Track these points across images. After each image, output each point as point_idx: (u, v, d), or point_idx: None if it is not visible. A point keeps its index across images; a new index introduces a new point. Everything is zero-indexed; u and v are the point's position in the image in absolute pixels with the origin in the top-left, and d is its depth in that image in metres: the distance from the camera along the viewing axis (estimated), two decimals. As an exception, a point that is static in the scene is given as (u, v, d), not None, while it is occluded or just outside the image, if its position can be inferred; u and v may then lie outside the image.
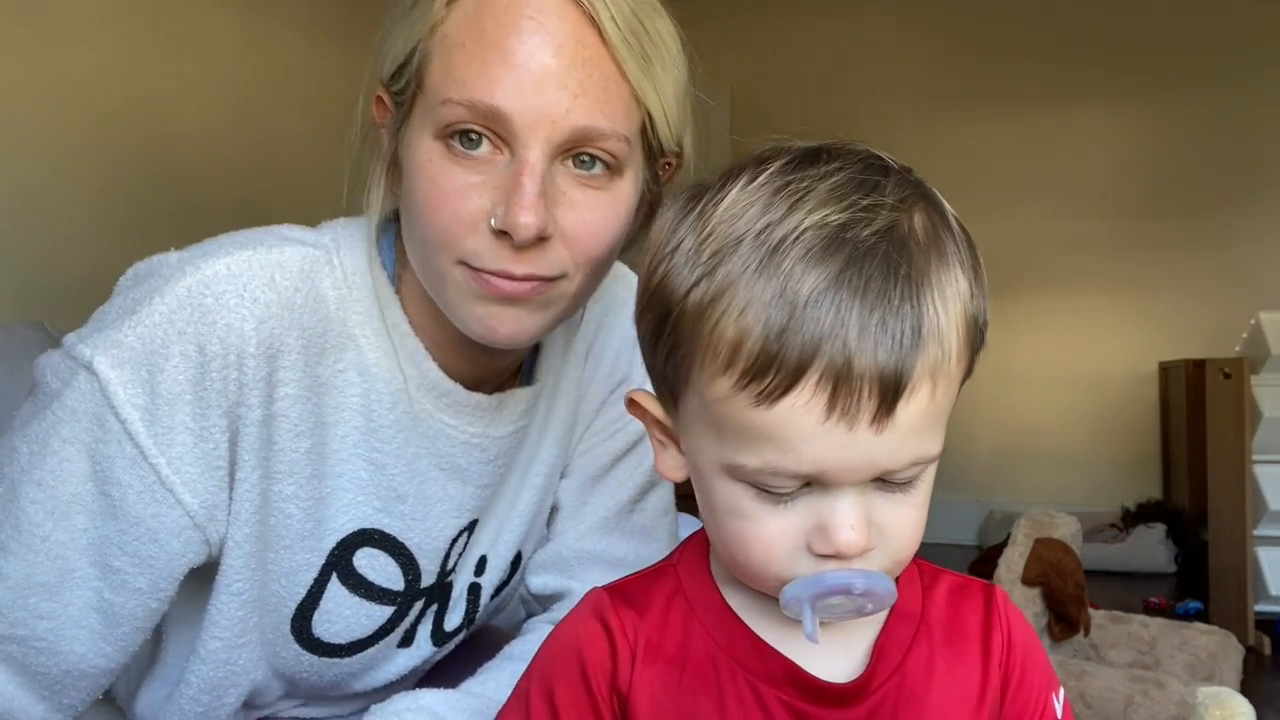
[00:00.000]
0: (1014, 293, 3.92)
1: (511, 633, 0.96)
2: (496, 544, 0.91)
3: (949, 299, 0.54)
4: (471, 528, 0.89)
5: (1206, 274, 3.74)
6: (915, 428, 0.53)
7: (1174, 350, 3.68)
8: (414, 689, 0.83)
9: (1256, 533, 2.59)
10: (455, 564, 0.89)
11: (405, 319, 0.78)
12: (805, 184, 0.54)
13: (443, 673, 0.94)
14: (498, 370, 0.85)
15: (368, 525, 0.81)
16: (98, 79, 2.19)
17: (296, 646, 0.82)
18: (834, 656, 0.60)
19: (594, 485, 0.94)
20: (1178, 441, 3.61)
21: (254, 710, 0.88)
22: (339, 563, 0.81)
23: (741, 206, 0.55)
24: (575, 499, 0.94)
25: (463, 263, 0.70)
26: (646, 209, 0.77)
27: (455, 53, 0.68)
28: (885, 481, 0.55)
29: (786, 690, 0.59)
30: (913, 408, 0.52)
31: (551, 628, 0.88)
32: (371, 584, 0.83)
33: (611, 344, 0.94)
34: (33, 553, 0.69)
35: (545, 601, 0.96)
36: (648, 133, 0.73)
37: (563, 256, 0.71)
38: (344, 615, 0.82)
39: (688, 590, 0.63)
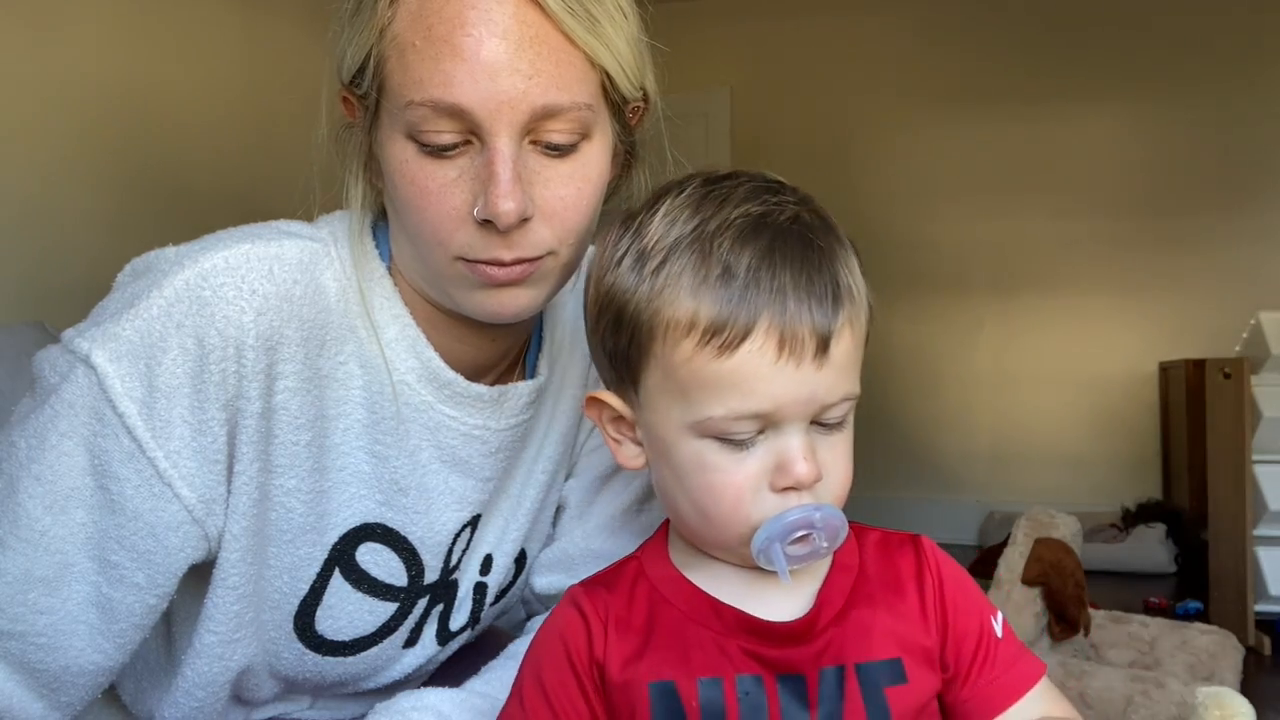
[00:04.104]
0: (1014, 293, 3.92)
1: (514, 632, 0.95)
2: (502, 542, 0.91)
3: (852, 268, 0.67)
4: (474, 523, 0.89)
5: (1206, 274, 3.74)
6: (843, 365, 0.65)
7: (1174, 350, 3.68)
8: (418, 688, 0.83)
9: (1256, 533, 2.59)
10: (459, 561, 0.89)
11: (405, 310, 0.79)
12: (724, 191, 0.67)
13: (447, 672, 0.94)
14: (499, 354, 0.85)
15: (370, 520, 0.81)
16: (97, 79, 2.19)
17: (300, 646, 0.82)
18: (783, 604, 0.69)
19: (601, 485, 0.94)
20: (1178, 441, 3.61)
21: (254, 709, 0.87)
22: (341, 557, 0.81)
23: (673, 216, 0.66)
24: (582, 499, 0.94)
25: (460, 258, 0.72)
26: (623, 157, 0.80)
27: (407, 53, 0.69)
28: (821, 424, 0.66)
29: (744, 638, 0.67)
30: (841, 347, 0.65)
31: None
32: (375, 580, 0.83)
33: None
34: (31, 547, 0.69)
35: (550, 601, 0.95)
36: (608, 89, 0.74)
37: (545, 235, 0.73)
38: (347, 611, 0.82)
39: (649, 571, 0.72)
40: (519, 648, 0.88)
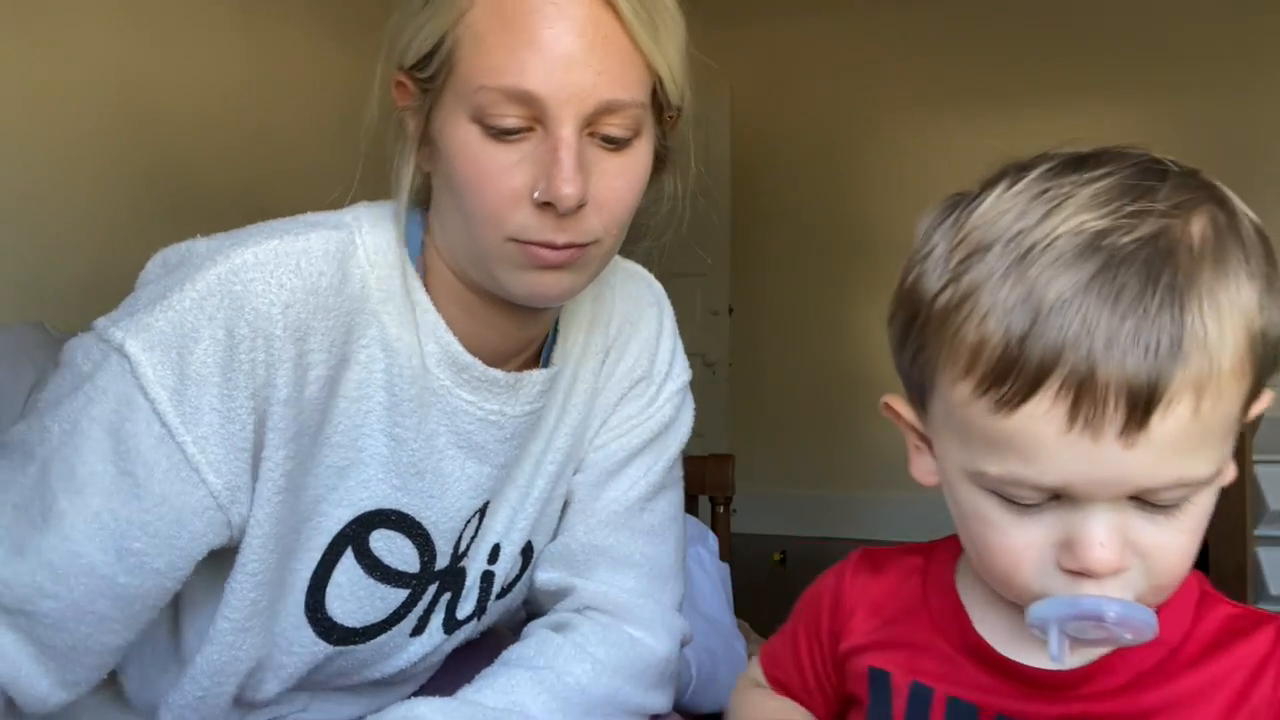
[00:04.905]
0: (1014, 293, 3.91)
1: (511, 636, 0.96)
2: (510, 531, 0.92)
3: (1223, 309, 0.50)
4: (484, 511, 0.90)
5: (1206, 274, 3.74)
6: (1175, 445, 0.50)
7: (1174, 350, 3.68)
8: (409, 698, 0.83)
9: (1256, 533, 2.59)
10: (468, 548, 0.90)
11: (427, 295, 0.82)
12: (1065, 190, 0.53)
13: (444, 678, 0.95)
14: (523, 342, 0.87)
15: (385, 505, 0.83)
16: (97, 79, 2.19)
17: (311, 633, 0.82)
18: (1039, 654, 0.58)
19: (607, 480, 0.95)
20: (1178, 441, 3.61)
21: (250, 711, 0.87)
22: (355, 540, 0.82)
23: (996, 213, 0.54)
24: (587, 493, 0.95)
25: (512, 239, 0.75)
26: (655, 162, 0.83)
27: (485, 40, 0.73)
28: (1145, 501, 0.52)
29: (991, 672, 0.60)
30: (1170, 423, 0.49)
31: (551, 633, 0.89)
32: (387, 567, 0.84)
33: (633, 344, 0.96)
34: (54, 532, 0.70)
35: (550, 598, 0.96)
36: (658, 93, 0.78)
37: (594, 223, 0.76)
38: (358, 596, 0.83)
39: (930, 570, 0.67)
40: (513, 655, 0.88)
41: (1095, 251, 0.50)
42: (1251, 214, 0.55)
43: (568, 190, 0.72)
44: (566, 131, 0.73)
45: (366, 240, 0.80)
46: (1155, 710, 0.57)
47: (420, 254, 0.83)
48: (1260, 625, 0.59)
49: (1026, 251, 0.51)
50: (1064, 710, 0.58)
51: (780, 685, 0.75)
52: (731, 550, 1.66)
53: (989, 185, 0.57)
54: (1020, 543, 0.54)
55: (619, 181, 0.77)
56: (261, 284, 0.73)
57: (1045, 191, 0.53)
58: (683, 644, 0.96)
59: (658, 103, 0.79)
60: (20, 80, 2.02)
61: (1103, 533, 0.52)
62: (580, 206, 0.74)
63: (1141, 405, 0.49)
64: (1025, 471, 0.52)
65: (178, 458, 0.71)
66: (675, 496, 0.99)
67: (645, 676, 0.89)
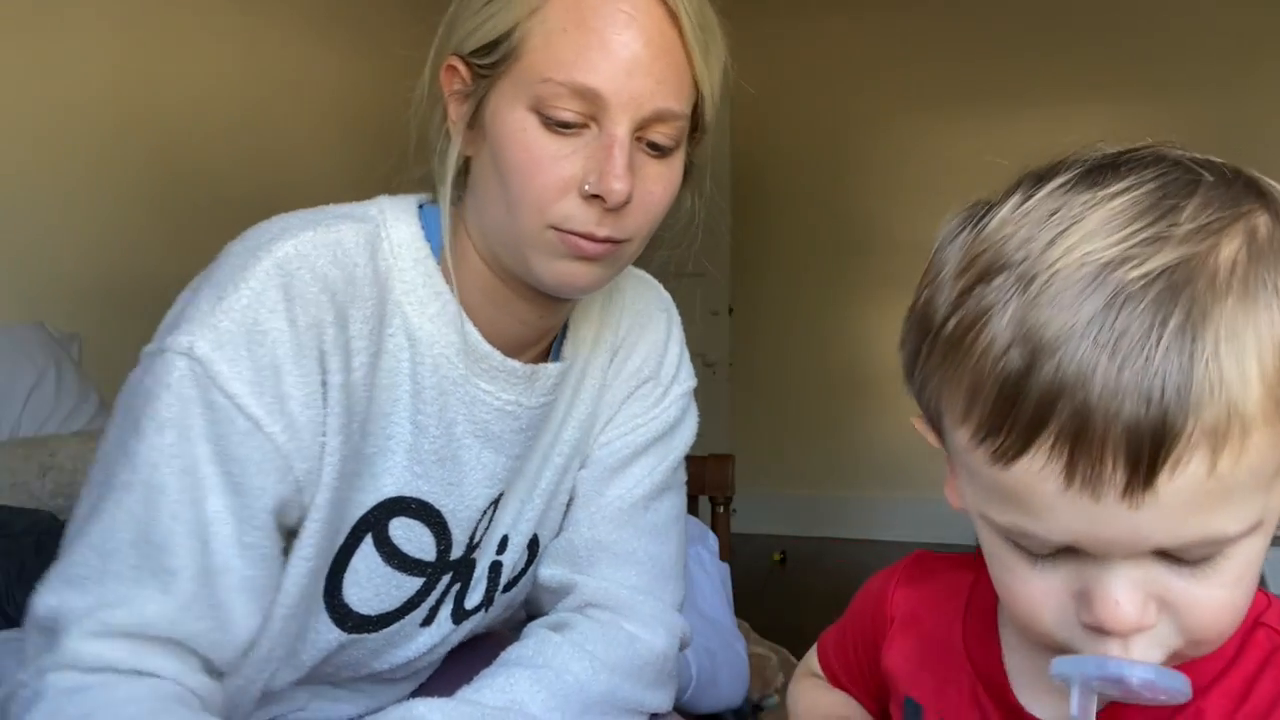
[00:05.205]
0: (1014, 293, 3.91)
1: (511, 636, 0.96)
2: (518, 522, 0.93)
3: (1247, 346, 0.43)
4: (496, 502, 0.91)
5: (1206, 274, 3.74)
6: (1191, 503, 0.44)
7: (1174, 350, 3.68)
8: (407, 698, 0.83)
9: (1256, 533, 2.59)
10: (480, 538, 0.91)
11: (449, 286, 0.84)
12: (1075, 211, 0.47)
13: (444, 678, 0.95)
14: (540, 333, 0.90)
15: (406, 492, 0.84)
16: (98, 80, 2.20)
17: (328, 619, 0.83)
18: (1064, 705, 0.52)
19: (611, 477, 0.96)
20: (1178, 441, 3.60)
21: (270, 706, 0.88)
22: (375, 528, 0.83)
23: (1002, 235, 0.48)
24: (592, 489, 0.97)
25: (553, 226, 0.78)
26: (682, 175, 0.87)
27: (556, 36, 0.77)
28: (1171, 555, 0.46)
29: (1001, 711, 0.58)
30: (1182, 481, 0.43)
31: (549, 633, 0.90)
32: (405, 555, 0.85)
33: (641, 345, 0.99)
34: (189, 550, 0.71)
35: (552, 596, 0.97)
36: (696, 111, 0.83)
37: (629, 223, 0.80)
38: (375, 583, 0.84)
39: (974, 595, 0.62)
40: (513, 655, 0.89)
41: (1100, 286, 0.44)
42: None
43: (619, 186, 0.76)
44: (621, 131, 0.77)
45: (391, 232, 0.83)
46: None
47: (443, 245, 0.85)
48: None
49: (1027, 285, 0.45)
50: None
51: (833, 677, 0.77)
52: (731, 550, 1.66)
53: (1006, 194, 0.51)
54: (1037, 591, 0.49)
55: (657, 186, 0.81)
56: (308, 273, 0.76)
57: (1056, 212, 0.47)
58: (682, 646, 0.96)
59: (693, 120, 0.83)
60: (20, 81, 2.02)
61: (1121, 590, 0.46)
62: (626, 203, 0.78)
63: (1146, 463, 0.43)
64: (1030, 525, 0.47)
65: (269, 448, 0.73)
66: (678, 499, 1.00)
67: (644, 674, 0.90)
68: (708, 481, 1.65)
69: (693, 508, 1.56)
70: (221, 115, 2.52)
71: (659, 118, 0.78)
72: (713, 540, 1.59)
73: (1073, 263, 0.45)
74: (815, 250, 4.46)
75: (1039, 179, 0.51)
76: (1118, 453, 0.43)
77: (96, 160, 2.20)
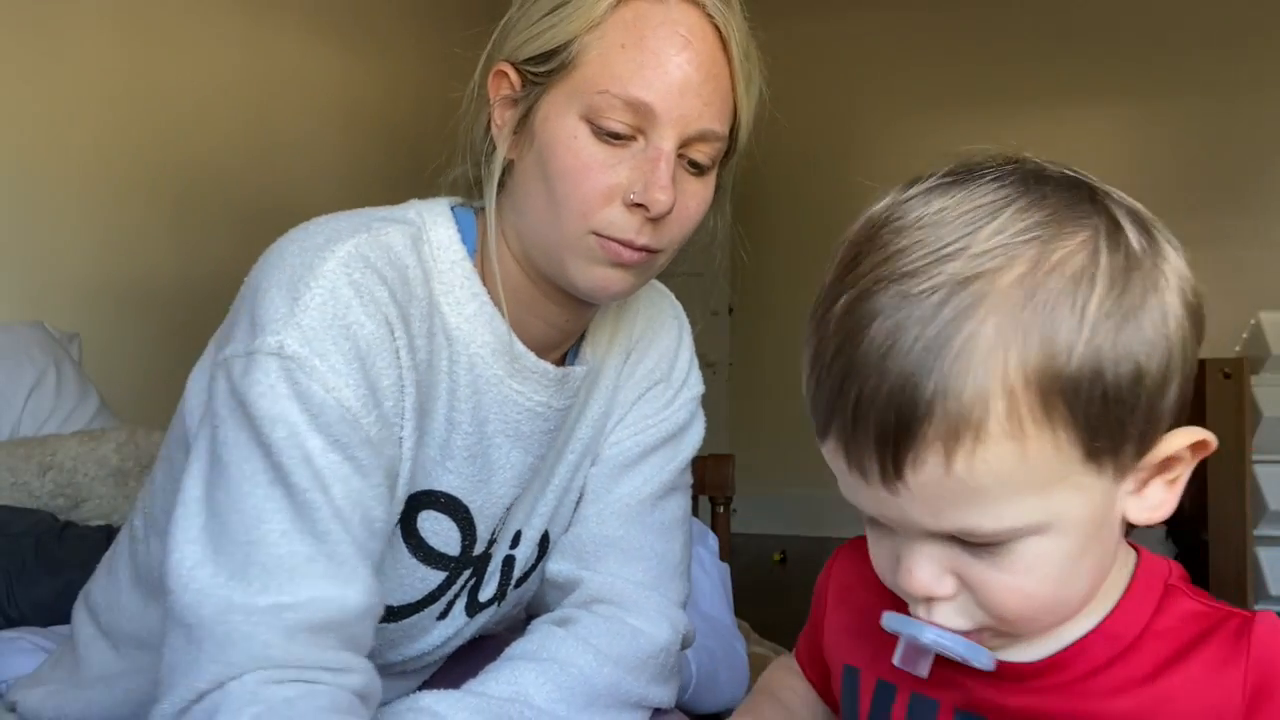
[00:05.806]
0: (1014, 293, 3.91)
1: (513, 637, 0.96)
2: (531, 517, 0.95)
3: (991, 361, 0.48)
4: (516, 498, 0.93)
5: (1206, 274, 3.68)
6: (939, 496, 0.50)
7: (1174, 350, 3.68)
8: (415, 691, 0.84)
9: (1256, 533, 2.59)
10: (497, 534, 0.93)
11: (484, 287, 0.86)
12: (883, 238, 0.53)
13: (448, 674, 0.95)
14: (565, 335, 0.93)
15: (436, 486, 0.86)
16: (98, 79, 2.20)
17: None
18: (1012, 653, 0.57)
19: (620, 474, 0.98)
20: (1177, 441, 3.60)
21: None
22: (404, 519, 0.84)
23: (833, 253, 0.56)
24: (601, 485, 0.98)
25: (594, 232, 0.81)
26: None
27: (614, 51, 0.80)
28: (964, 539, 0.52)
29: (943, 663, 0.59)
30: (923, 475, 0.49)
31: (554, 627, 0.90)
32: (430, 548, 0.87)
33: (654, 349, 1.01)
34: (319, 540, 0.72)
35: (559, 592, 0.98)
36: (732, 134, 0.86)
37: (664, 235, 0.83)
38: (399, 574, 0.86)
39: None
40: (518, 649, 0.89)
41: (867, 312, 0.51)
42: (1139, 240, 0.55)
43: (663, 197, 0.79)
44: (668, 145, 0.80)
45: (431, 234, 0.85)
46: (1111, 708, 0.55)
47: (477, 247, 0.88)
48: (1222, 624, 0.56)
49: (831, 302, 0.53)
50: (1021, 703, 0.57)
51: (803, 666, 0.79)
52: (731, 550, 1.66)
53: (902, 187, 0.58)
54: (882, 554, 0.57)
55: (693, 202, 0.84)
56: (372, 273, 0.78)
57: (884, 228, 0.53)
58: (685, 643, 0.97)
59: (729, 144, 0.87)
60: (21, 81, 2.02)
61: (915, 561, 0.53)
62: (667, 214, 0.81)
63: (891, 456, 0.50)
64: (850, 497, 0.55)
65: (365, 438, 0.74)
66: (684, 501, 1.02)
67: (647, 667, 0.91)
68: (708, 481, 1.65)
69: (693, 507, 1.56)
70: (223, 115, 2.52)
71: (702, 137, 0.82)
72: (713, 540, 1.59)
73: (860, 288, 0.51)
74: (815, 250, 4.45)
75: (882, 199, 0.57)
76: (868, 450, 0.50)
77: (97, 160, 2.20)
